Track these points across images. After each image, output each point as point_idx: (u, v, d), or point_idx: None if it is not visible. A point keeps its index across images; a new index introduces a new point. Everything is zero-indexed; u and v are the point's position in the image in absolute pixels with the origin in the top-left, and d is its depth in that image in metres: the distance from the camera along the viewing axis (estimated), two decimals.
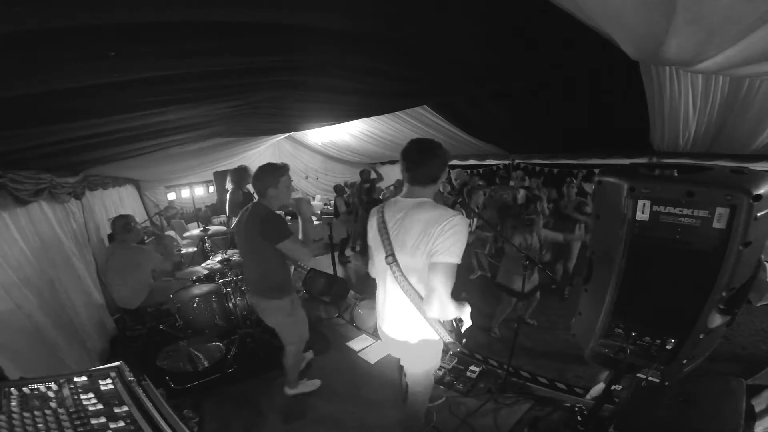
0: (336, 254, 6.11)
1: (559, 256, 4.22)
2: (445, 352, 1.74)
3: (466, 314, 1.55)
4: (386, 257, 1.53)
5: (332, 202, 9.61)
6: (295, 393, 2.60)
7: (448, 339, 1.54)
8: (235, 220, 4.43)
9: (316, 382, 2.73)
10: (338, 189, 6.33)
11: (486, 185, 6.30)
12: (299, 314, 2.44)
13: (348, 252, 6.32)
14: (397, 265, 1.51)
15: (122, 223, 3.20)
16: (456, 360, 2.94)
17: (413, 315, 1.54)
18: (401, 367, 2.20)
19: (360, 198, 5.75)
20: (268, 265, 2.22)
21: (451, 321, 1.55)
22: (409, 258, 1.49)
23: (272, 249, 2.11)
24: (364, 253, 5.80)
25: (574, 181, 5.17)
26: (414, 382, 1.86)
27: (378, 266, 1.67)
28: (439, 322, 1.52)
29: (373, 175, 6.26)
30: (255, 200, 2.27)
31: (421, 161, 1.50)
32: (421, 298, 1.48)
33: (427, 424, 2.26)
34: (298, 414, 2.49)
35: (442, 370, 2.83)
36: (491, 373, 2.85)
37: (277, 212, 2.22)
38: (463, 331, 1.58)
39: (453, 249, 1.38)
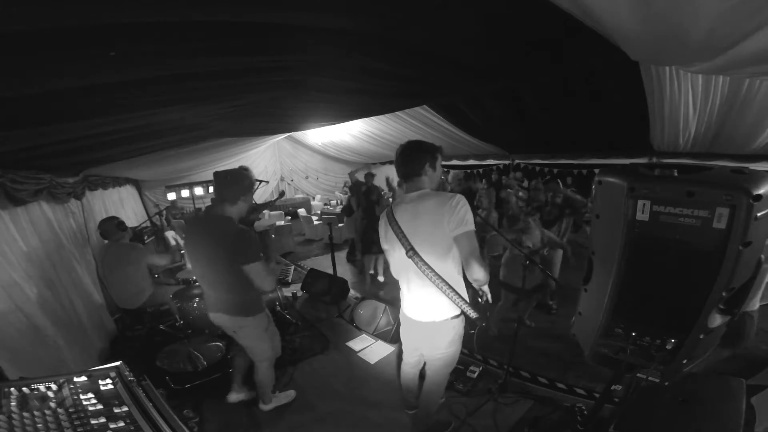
0: (344, 253, 6.10)
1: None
2: (473, 327, 1.87)
3: (486, 286, 1.73)
4: (407, 252, 1.68)
5: (335, 200, 9.62)
6: (270, 408, 2.50)
7: (474, 315, 1.70)
8: None
9: (290, 393, 2.63)
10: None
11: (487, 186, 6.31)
12: (273, 328, 2.36)
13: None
14: (419, 256, 1.65)
15: (115, 223, 3.20)
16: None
17: (438, 299, 1.71)
18: (404, 370, 2.22)
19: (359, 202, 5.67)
20: (243, 280, 1.97)
21: (476, 298, 1.72)
22: (428, 245, 1.65)
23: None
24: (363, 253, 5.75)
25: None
26: (433, 371, 1.99)
27: (399, 263, 1.80)
28: (465, 300, 1.68)
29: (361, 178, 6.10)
30: (206, 208, 2.07)
31: (403, 160, 1.73)
32: (445, 281, 1.64)
33: (443, 428, 2.27)
34: (298, 414, 2.49)
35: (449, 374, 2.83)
36: (491, 373, 2.85)
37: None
38: (490, 300, 1.76)
39: (466, 218, 1.59)
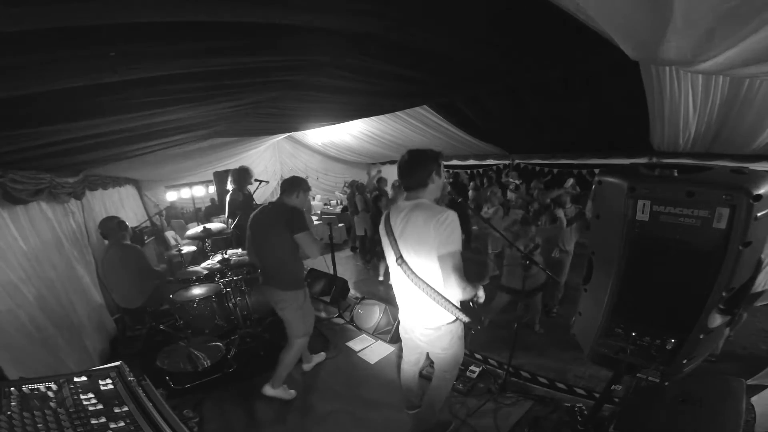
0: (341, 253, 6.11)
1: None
2: (468, 330, 1.85)
3: (480, 291, 1.73)
4: (396, 259, 1.70)
5: (335, 200, 9.62)
6: (273, 395, 2.57)
7: (467, 319, 1.72)
8: (233, 223, 4.45)
9: (291, 392, 2.68)
10: (359, 187, 6.07)
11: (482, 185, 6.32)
12: (309, 307, 2.60)
13: (348, 252, 6.31)
14: (407, 264, 1.67)
15: (116, 222, 3.20)
16: None
17: (430, 305, 1.71)
18: (403, 369, 2.23)
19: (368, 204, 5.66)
20: (286, 256, 2.41)
21: (469, 302, 1.72)
22: (415, 255, 1.67)
23: (291, 241, 2.36)
24: (364, 252, 5.80)
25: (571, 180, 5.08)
26: (440, 368, 2.00)
27: (392, 267, 1.83)
28: (456, 306, 1.68)
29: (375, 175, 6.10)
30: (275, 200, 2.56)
31: (409, 172, 1.72)
32: (434, 289, 1.65)
33: (443, 428, 2.27)
34: (298, 414, 2.49)
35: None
36: (491, 373, 2.85)
37: None
38: (481, 302, 1.76)
39: (452, 239, 1.57)
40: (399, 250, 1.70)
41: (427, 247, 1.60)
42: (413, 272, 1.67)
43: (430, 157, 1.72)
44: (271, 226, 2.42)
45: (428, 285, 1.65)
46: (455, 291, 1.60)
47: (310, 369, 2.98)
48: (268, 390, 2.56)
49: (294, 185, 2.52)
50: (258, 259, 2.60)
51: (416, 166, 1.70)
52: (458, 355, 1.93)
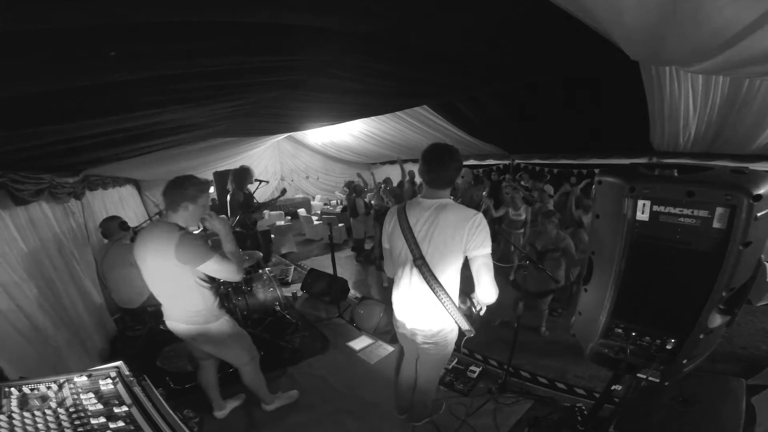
0: (354, 254, 6.13)
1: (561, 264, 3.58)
2: (462, 336, 1.82)
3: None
4: (415, 260, 1.64)
5: (335, 200, 9.63)
6: (273, 408, 2.50)
7: (467, 327, 1.70)
8: (234, 222, 4.46)
9: (293, 394, 2.61)
10: (358, 189, 5.97)
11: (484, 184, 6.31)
12: (236, 333, 2.18)
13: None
14: (426, 266, 1.62)
15: (119, 222, 3.20)
16: (456, 360, 2.94)
17: (437, 308, 1.68)
18: (404, 369, 2.22)
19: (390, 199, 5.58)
20: (185, 290, 1.92)
21: (470, 308, 1.72)
22: (440, 256, 1.61)
23: (189, 272, 1.85)
24: (360, 251, 5.74)
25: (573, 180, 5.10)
26: (426, 370, 2.00)
27: (401, 267, 1.75)
28: (459, 311, 1.67)
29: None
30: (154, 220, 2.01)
31: (442, 166, 1.62)
32: (446, 293, 1.62)
33: (434, 411, 2.32)
34: (298, 414, 2.49)
35: (443, 370, 2.83)
36: (491, 373, 2.85)
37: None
38: (482, 313, 1.76)
39: (486, 241, 1.58)
40: (420, 250, 1.62)
41: (455, 249, 1.58)
42: (432, 274, 1.61)
43: (459, 153, 1.64)
44: (160, 258, 1.83)
45: (443, 288, 1.61)
46: (488, 291, 1.60)
47: (273, 409, 2.50)
48: (266, 407, 2.48)
49: (186, 189, 1.88)
50: (156, 294, 2.05)
51: (450, 161, 1.59)
52: (448, 357, 1.94)
